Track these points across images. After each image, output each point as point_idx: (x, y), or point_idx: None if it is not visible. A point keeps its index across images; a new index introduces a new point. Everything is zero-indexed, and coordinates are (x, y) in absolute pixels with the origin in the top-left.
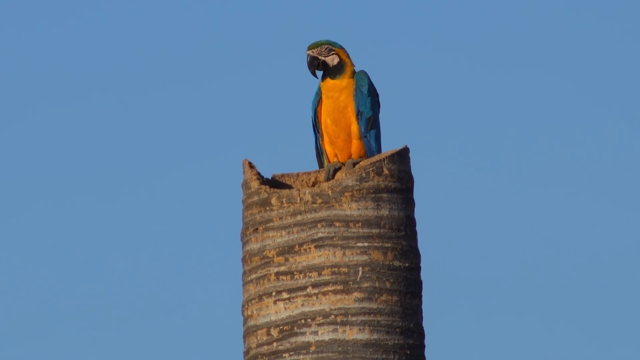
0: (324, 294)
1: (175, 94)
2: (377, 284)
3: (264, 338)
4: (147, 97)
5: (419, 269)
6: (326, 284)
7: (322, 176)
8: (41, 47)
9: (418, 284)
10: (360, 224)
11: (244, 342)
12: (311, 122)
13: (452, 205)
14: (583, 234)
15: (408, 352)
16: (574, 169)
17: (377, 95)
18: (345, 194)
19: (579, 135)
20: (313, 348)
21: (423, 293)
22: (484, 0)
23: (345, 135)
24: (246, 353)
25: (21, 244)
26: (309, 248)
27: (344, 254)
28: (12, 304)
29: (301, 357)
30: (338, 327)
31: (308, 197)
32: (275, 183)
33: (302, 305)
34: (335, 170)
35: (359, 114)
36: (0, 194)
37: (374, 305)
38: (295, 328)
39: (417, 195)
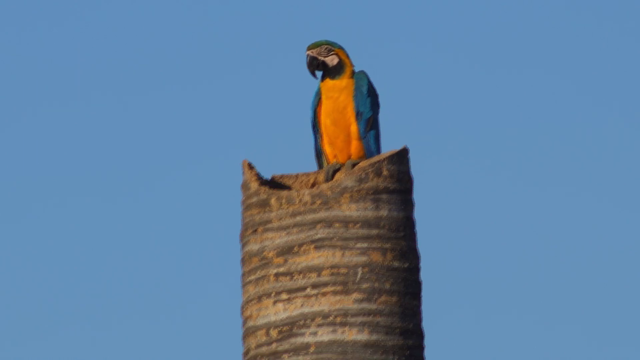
0: (323, 294)
1: (174, 95)
2: (376, 285)
3: (264, 339)
4: (146, 98)
5: (418, 269)
6: (325, 284)
7: (321, 177)
8: (41, 47)
9: (417, 284)
10: (359, 224)
11: (243, 342)
12: (310, 123)
13: (451, 206)
14: (583, 234)
15: (407, 353)
16: (573, 169)
17: (377, 96)
18: (345, 194)
19: (579, 136)
20: (312, 349)
21: (422, 294)
22: (483, 0)
23: (345, 135)
24: (245, 354)
25: (21, 244)
26: (309, 249)
27: (343, 254)
28: (12, 304)
29: (300, 357)
30: (337, 327)
31: (307, 198)
32: (274, 184)
33: (302, 306)
34: (335, 171)
35: (358, 115)
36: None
37: (373, 306)
38: (295, 329)
39: (416, 196)
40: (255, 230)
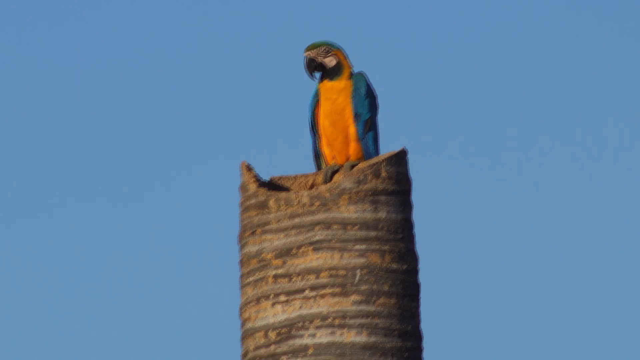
0: (322, 296)
1: (173, 96)
2: (374, 287)
3: (262, 341)
4: (145, 98)
5: (416, 271)
6: (324, 286)
7: (320, 178)
8: (41, 47)
9: (416, 286)
10: (358, 226)
11: (242, 344)
12: (309, 124)
13: (450, 208)
14: (582, 235)
15: (406, 354)
16: (573, 170)
17: (375, 97)
18: (343, 196)
19: (578, 136)
20: (311, 351)
21: (421, 296)
22: (483, 1)
23: (343, 137)
24: (244, 356)
25: (21, 244)
26: (307, 251)
27: (341, 256)
28: (12, 304)
29: (299, 359)
30: (336, 329)
31: (306, 200)
32: (273, 185)
33: (300, 308)
34: (333, 173)
35: (356, 116)
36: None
37: (371, 308)
38: (293, 331)
39: (415, 197)
40: (254, 232)
